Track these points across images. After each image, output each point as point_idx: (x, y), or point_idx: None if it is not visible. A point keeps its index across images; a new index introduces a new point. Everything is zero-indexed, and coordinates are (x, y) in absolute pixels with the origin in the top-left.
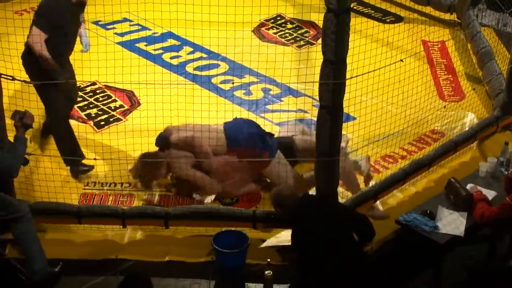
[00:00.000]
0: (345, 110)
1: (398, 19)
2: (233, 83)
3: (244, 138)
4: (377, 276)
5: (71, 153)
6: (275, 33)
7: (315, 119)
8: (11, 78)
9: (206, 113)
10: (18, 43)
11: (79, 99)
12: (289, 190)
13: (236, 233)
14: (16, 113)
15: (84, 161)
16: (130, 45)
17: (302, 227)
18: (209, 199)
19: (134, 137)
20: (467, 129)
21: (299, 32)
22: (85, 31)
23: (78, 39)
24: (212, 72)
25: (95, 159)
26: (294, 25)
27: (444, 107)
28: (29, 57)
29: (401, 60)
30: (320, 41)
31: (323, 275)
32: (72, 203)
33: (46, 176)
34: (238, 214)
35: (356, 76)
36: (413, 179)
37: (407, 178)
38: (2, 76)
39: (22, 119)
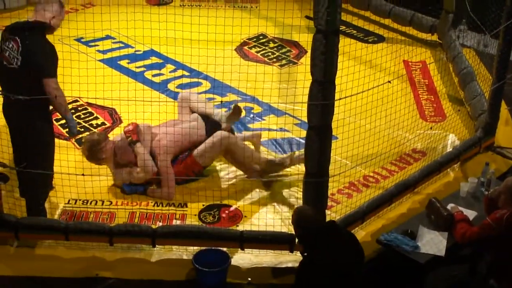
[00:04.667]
0: None
1: (380, 39)
2: (222, 102)
3: None
4: None
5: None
6: (258, 52)
7: (297, 138)
8: None
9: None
10: None
11: (59, 116)
12: (312, 211)
13: (217, 251)
14: None
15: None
16: (112, 63)
17: (318, 252)
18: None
19: None
20: (449, 149)
21: (282, 51)
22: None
23: None
24: (194, 90)
25: (83, 175)
26: (276, 44)
27: (431, 128)
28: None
29: (389, 82)
30: (302, 60)
31: None
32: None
33: None
34: (226, 234)
35: (345, 97)
36: (399, 200)
37: (393, 199)
38: None
39: None
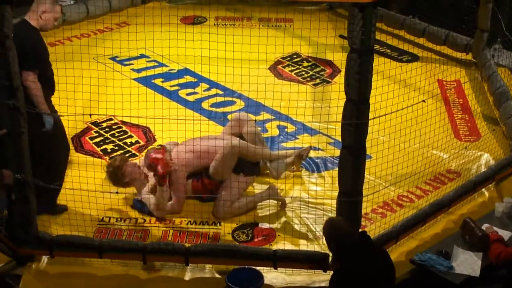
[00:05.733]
0: None
1: (414, 58)
2: (255, 120)
3: None
4: None
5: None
6: (291, 71)
7: (330, 157)
8: None
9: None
10: None
11: (95, 134)
12: (345, 223)
13: (250, 270)
14: None
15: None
16: (146, 81)
17: (351, 264)
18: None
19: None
20: (484, 169)
21: (315, 70)
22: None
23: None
24: (228, 109)
25: (117, 192)
26: (310, 63)
27: (465, 148)
28: None
29: (423, 101)
30: (336, 79)
31: None
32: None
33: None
34: (259, 253)
35: (379, 116)
36: (433, 220)
37: (427, 219)
38: None
39: (2, 181)
